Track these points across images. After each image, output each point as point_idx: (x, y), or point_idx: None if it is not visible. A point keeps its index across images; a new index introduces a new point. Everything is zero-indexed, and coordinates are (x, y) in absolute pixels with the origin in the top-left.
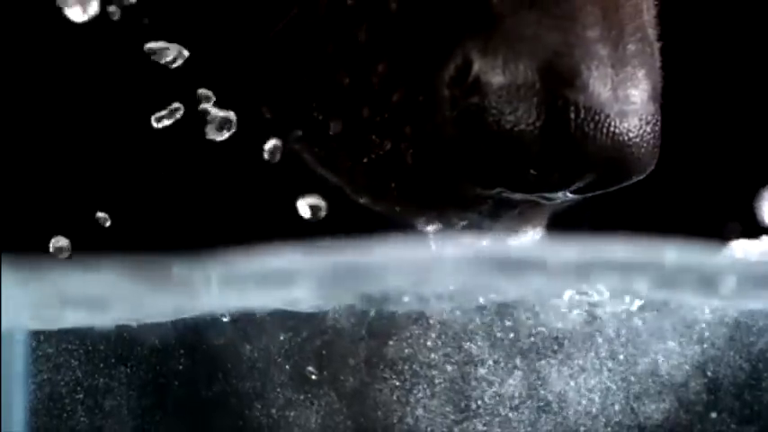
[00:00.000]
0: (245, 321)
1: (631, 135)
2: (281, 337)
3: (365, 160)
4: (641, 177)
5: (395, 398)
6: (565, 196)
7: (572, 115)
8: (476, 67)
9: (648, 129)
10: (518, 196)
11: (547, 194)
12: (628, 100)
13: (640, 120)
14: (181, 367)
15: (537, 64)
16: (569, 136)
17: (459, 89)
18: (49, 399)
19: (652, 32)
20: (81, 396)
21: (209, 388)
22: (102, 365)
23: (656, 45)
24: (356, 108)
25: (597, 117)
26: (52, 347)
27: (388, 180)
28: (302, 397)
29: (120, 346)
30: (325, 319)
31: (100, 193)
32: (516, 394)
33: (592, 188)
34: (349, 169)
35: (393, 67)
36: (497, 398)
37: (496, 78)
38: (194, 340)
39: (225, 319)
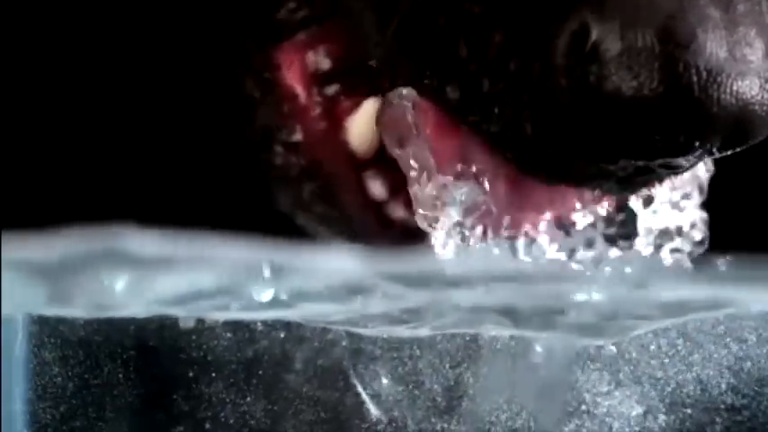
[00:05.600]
0: None
1: (753, 93)
2: None
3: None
4: (763, 137)
5: None
6: (687, 162)
7: (694, 78)
8: (593, 34)
9: (767, 87)
10: (639, 164)
11: (671, 160)
12: (745, 59)
13: (759, 78)
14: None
15: (654, 29)
16: (693, 99)
17: (576, 57)
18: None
19: None
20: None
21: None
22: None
23: (765, 3)
24: (475, 78)
25: (719, 78)
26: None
27: (508, 151)
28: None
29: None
30: None
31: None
32: None
33: (717, 150)
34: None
35: (509, 37)
36: None
37: (615, 45)
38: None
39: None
